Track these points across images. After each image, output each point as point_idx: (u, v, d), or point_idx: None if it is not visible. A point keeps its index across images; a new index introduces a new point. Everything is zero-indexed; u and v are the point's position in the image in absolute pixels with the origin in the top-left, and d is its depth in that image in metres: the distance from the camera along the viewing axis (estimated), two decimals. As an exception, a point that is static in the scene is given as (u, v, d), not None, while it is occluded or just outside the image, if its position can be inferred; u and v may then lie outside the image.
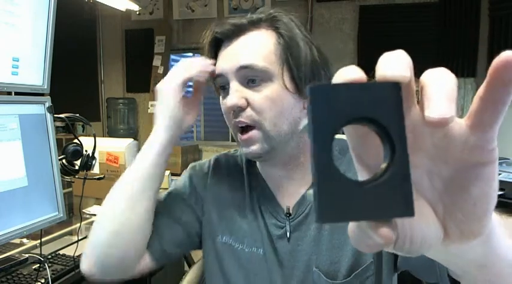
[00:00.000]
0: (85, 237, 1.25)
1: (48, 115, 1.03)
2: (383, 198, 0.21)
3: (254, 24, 0.64)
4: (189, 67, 0.66)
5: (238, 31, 0.64)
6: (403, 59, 0.22)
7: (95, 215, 1.57)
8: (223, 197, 0.73)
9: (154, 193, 0.66)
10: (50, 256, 1.20)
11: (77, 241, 1.20)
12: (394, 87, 0.21)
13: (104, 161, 1.74)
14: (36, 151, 1.00)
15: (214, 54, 0.67)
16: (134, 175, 0.66)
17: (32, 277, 1.06)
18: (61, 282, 1.10)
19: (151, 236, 0.68)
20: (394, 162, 0.21)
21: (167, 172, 1.63)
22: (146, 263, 0.69)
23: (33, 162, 0.98)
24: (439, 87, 0.22)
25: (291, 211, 0.68)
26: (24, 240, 1.29)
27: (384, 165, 0.22)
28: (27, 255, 1.17)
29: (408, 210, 0.21)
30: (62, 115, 1.13)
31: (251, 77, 0.62)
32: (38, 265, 1.10)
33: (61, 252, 1.24)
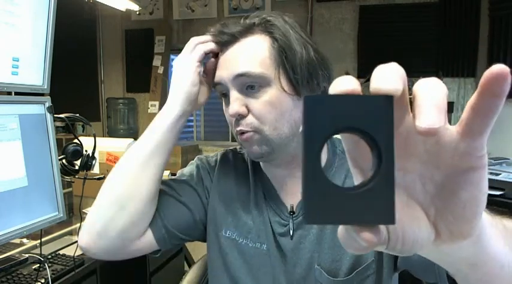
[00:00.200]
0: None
1: (48, 115, 1.03)
2: (367, 205, 0.23)
3: (248, 30, 0.64)
4: (205, 41, 0.67)
5: (233, 39, 0.64)
6: (396, 72, 0.23)
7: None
8: (229, 192, 0.74)
9: (161, 164, 0.66)
10: (50, 256, 1.20)
11: (77, 241, 1.20)
12: (387, 100, 0.22)
13: (104, 161, 1.74)
14: (36, 151, 1.00)
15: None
16: (143, 143, 0.66)
17: (32, 277, 1.06)
18: (61, 282, 1.11)
19: (154, 215, 0.68)
20: (381, 171, 0.22)
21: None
22: (148, 241, 0.68)
23: (33, 162, 0.98)
24: (430, 98, 0.23)
25: (294, 210, 0.69)
26: (24, 240, 1.29)
27: (370, 173, 0.23)
28: (27, 255, 1.17)
29: (389, 218, 0.22)
30: (62, 115, 1.13)
31: (249, 84, 0.63)
32: (38, 265, 1.10)
33: (61, 252, 1.24)
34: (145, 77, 4.44)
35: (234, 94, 0.63)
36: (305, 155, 0.22)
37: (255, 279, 0.69)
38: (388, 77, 0.22)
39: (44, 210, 1.02)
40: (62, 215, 1.06)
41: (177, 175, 0.77)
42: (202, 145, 4.48)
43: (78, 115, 1.17)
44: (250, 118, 0.63)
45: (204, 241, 0.76)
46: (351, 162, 0.28)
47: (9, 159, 0.93)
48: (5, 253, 1.19)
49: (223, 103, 0.69)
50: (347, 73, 3.39)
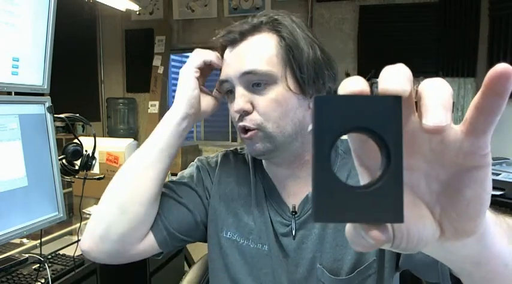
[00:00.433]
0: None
1: (48, 115, 1.03)
2: (376, 203, 0.23)
3: (256, 28, 0.65)
4: (206, 52, 0.69)
5: (241, 37, 0.65)
6: (404, 73, 0.23)
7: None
8: (230, 193, 0.74)
9: (164, 169, 0.67)
10: (50, 256, 1.20)
11: (77, 241, 1.20)
12: (395, 100, 0.23)
13: (104, 161, 1.74)
14: (36, 151, 1.00)
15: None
16: (146, 148, 0.67)
17: (32, 277, 1.06)
18: (61, 282, 1.11)
19: (155, 218, 0.68)
20: (389, 170, 0.23)
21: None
22: (149, 243, 0.68)
23: (33, 162, 0.98)
24: (436, 97, 0.23)
25: (296, 210, 0.69)
26: (24, 240, 1.29)
27: (379, 172, 0.24)
28: (27, 255, 1.17)
29: (398, 216, 0.23)
30: (62, 115, 1.13)
31: (255, 81, 0.63)
32: (38, 265, 1.10)
33: (61, 252, 1.24)
34: (145, 77, 4.44)
35: (240, 91, 0.64)
36: (315, 154, 0.23)
37: (256, 280, 0.69)
38: (396, 78, 0.23)
39: (44, 210, 1.02)
40: (62, 215, 1.06)
41: (178, 177, 0.77)
42: (202, 145, 4.48)
43: (78, 115, 1.17)
44: (254, 115, 0.64)
45: (206, 241, 0.76)
46: (357, 161, 0.28)
47: (9, 159, 0.93)
48: (5, 253, 1.19)
49: (228, 100, 0.69)
50: (347, 73, 3.40)
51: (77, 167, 1.19)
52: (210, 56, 0.68)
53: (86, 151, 1.20)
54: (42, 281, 1.05)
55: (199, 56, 0.68)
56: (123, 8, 3.29)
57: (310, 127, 0.23)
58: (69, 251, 1.23)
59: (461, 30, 3.54)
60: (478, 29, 3.50)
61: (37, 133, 1.01)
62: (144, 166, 0.66)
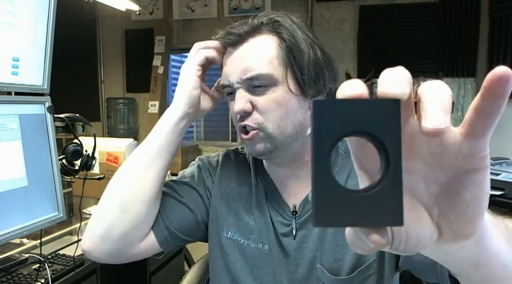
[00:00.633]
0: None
1: (48, 115, 1.03)
2: (375, 207, 0.23)
3: (256, 30, 0.65)
4: (208, 48, 0.68)
5: (241, 38, 0.65)
6: (403, 76, 0.23)
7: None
8: (231, 192, 0.74)
9: (164, 167, 0.67)
10: (50, 256, 1.20)
11: (77, 241, 1.20)
12: (394, 103, 0.23)
13: (104, 161, 1.74)
14: (36, 151, 1.00)
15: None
16: (146, 147, 0.68)
17: (32, 277, 1.06)
18: (61, 282, 1.11)
19: (156, 217, 0.68)
20: (389, 174, 0.23)
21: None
22: (150, 243, 0.68)
23: (33, 162, 0.98)
24: (435, 100, 0.23)
25: (297, 209, 0.69)
26: (24, 240, 1.29)
27: (378, 176, 0.24)
28: (27, 255, 1.17)
29: (398, 219, 0.23)
30: (62, 115, 1.13)
31: (256, 83, 0.63)
32: (38, 265, 1.10)
33: (61, 252, 1.24)
34: (145, 77, 4.43)
35: (240, 92, 0.64)
36: (314, 158, 0.23)
37: (257, 279, 0.69)
38: (395, 81, 0.23)
39: (44, 210, 1.02)
40: (62, 215, 1.06)
41: (179, 176, 0.77)
42: (202, 145, 4.48)
43: (78, 115, 1.17)
44: (255, 115, 0.64)
45: (207, 241, 0.76)
46: (356, 164, 0.28)
47: (9, 159, 0.93)
48: (5, 253, 1.19)
49: (228, 100, 0.69)
50: (347, 73, 3.40)
51: (77, 167, 1.19)
52: (212, 52, 0.68)
53: (86, 151, 1.20)
54: (42, 281, 1.05)
55: (201, 53, 0.68)
56: (123, 8, 3.29)
57: (309, 131, 0.23)
58: (69, 251, 1.23)
59: (461, 30, 3.54)
60: (478, 29, 3.50)
61: (37, 133, 1.01)
62: (144, 164, 0.66)
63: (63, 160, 1.14)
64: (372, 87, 2.95)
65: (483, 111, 0.23)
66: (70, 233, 1.43)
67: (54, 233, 1.40)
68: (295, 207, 0.69)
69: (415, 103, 0.25)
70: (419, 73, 3.20)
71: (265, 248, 0.69)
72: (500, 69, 0.22)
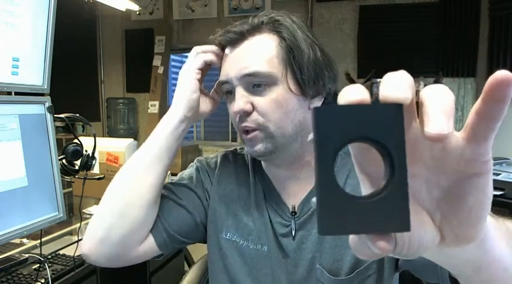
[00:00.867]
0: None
1: (48, 115, 1.03)
2: (381, 213, 0.23)
3: (256, 29, 0.64)
4: (206, 52, 0.68)
5: (241, 37, 0.65)
6: (405, 80, 0.23)
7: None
8: (229, 194, 0.74)
9: (163, 171, 0.67)
10: (50, 256, 1.20)
11: (77, 241, 1.20)
12: (396, 108, 0.22)
13: (104, 161, 1.74)
14: (36, 151, 1.00)
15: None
16: (145, 150, 0.67)
17: (32, 277, 1.06)
18: (61, 282, 1.11)
19: (155, 220, 0.68)
20: (394, 180, 0.23)
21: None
22: (149, 246, 0.68)
23: (33, 162, 0.98)
24: (438, 105, 0.23)
25: (296, 210, 0.69)
26: (24, 240, 1.29)
27: (383, 182, 0.23)
28: (27, 255, 1.17)
29: (405, 225, 0.23)
30: (62, 115, 1.13)
31: (256, 82, 0.63)
32: (38, 265, 1.10)
33: (61, 252, 1.24)
34: (145, 77, 4.43)
35: (240, 92, 0.64)
36: (318, 167, 0.22)
37: (256, 280, 0.69)
38: (397, 85, 0.23)
39: (44, 210, 1.02)
40: (62, 215, 1.06)
41: (177, 178, 0.77)
42: (202, 145, 4.47)
43: (78, 115, 1.17)
44: (255, 115, 0.63)
45: (206, 242, 0.76)
46: (357, 167, 0.28)
47: (9, 159, 0.93)
48: (5, 253, 1.19)
49: (228, 100, 0.69)
50: (347, 74, 3.39)
51: (77, 167, 1.19)
52: (211, 55, 0.68)
53: (86, 151, 1.20)
54: (42, 281, 1.05)
55: (200, 56, 0.68)
56: (123, 8, 3.29)
57: (310, 136, 0.23)
58: (69, 251, 1.23)
59: (461, 30, 3.53)
60: (478, 29, 3.50)
61: (37, 133, 1.01)
62: (143, 168, 0.66)
63: (63, 160, 1.14)
64: (371, 87, 2.95)
65: (485, 115, 0.23)
66: (70, 233, 1.43)
67: (54, 233, 1.40)
68: (294, 207, 0.69)
69: (417, 107, 0.25)
70: (419, 73, 3.20)
71: (264, 249, 0.69)
72: (501, 73, 0.22)
